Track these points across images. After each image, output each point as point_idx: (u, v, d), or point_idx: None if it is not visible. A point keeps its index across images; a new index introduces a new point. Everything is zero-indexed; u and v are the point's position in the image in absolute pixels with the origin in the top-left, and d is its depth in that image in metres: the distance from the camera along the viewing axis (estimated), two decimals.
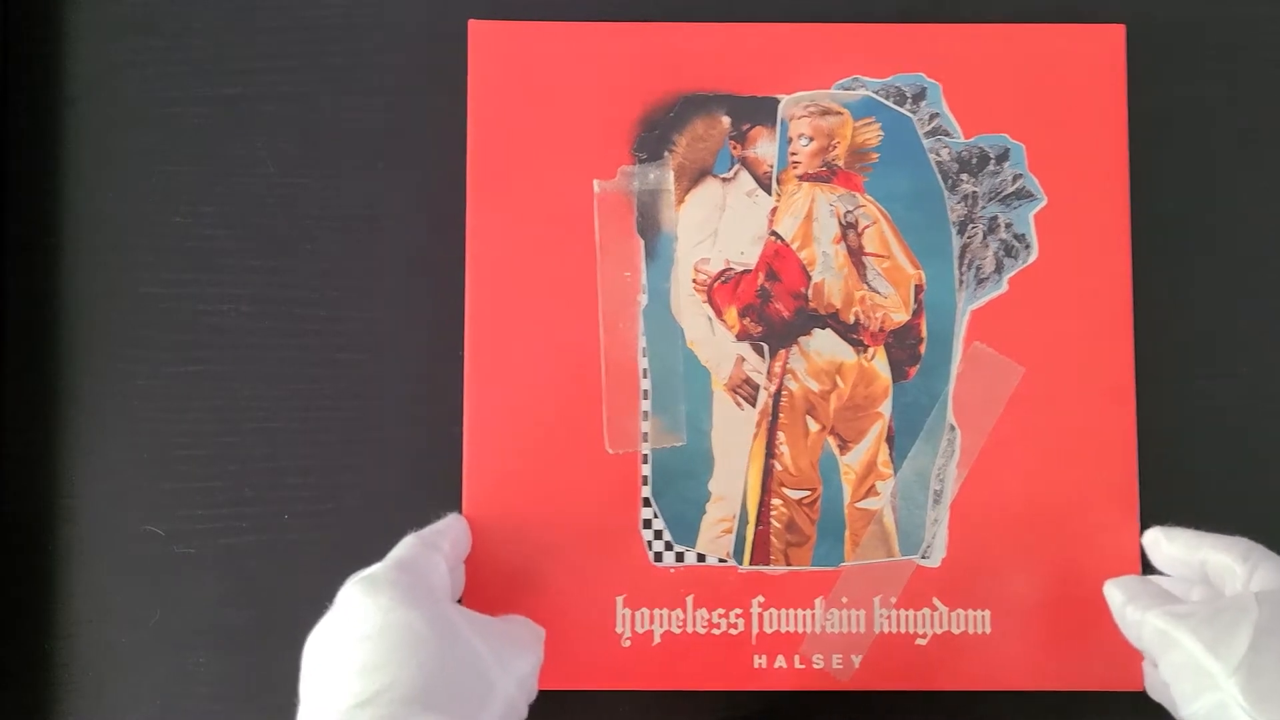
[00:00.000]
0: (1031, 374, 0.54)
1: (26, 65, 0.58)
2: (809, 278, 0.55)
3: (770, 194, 0.55)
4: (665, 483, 0.54)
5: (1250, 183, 0.57)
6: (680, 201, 0.55)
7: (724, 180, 0.55)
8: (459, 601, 0.52)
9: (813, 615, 0.54)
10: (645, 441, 0.54)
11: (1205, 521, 0.51)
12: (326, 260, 0.57)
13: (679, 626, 0.54)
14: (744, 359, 0.55)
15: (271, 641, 0.56)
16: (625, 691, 0.54)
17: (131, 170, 0.58)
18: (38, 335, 0.57)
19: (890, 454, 0.55)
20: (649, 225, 0.55)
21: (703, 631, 0.54)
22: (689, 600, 0.54)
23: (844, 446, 0.55)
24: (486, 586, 0.53)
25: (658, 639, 0.54)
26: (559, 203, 0.55)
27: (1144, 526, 0.53)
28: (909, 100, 0.55)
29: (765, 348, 0.55)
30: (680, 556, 0.54)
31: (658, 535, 0.54)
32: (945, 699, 0.54)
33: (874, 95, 0.56)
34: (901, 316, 0.55)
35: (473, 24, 0.56)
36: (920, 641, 0.54)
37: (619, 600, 0.54)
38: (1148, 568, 0.53)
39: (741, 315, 0.55)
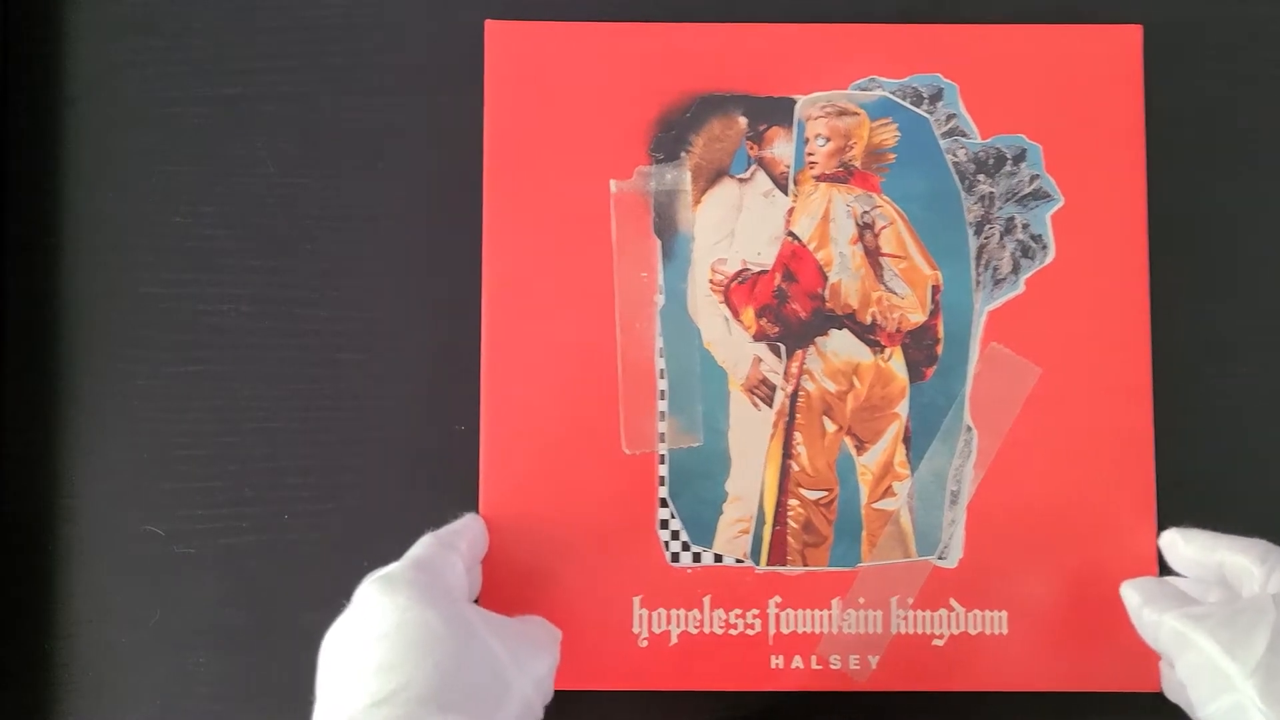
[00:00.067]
0: (1048, 375, 0.54)
1: (26, 65, 0.58)
2: (826, 278, 0.55)
3: (787, 194, 0.55)
4: (682, 483, 0.54)
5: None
6: (697, 202, 0.55)
7: (741, 181, 0.55)
8: (476, 601, 0.52)
9: (830, 616, 0.54)
10: (662, 442, 0.54)
11: (1222, 523, 0.51)
12: (326, 260, 0.57)
13: (696, 627, 0.54)
14: (761, 359, 0.55)
15: (271, 641, 0.56)
16: (642, 692, 0.54)
17: (131, 170, 0.58)
18: (38, 335, 0.57)
19: (907, 455, 0.54)
20: (666, 226, 0.55)
21: (720, 632, 0.54)
22: (706, 600, 0.54)
23: (861, 447, 0.55)
24: (503, 586, 0.53)
25: (674, 639, 0.54)
26: (575, 203, 0.55)
27: (1161, 528, 0.53)
28: (926, 101, 0.55)
29: (782, 348, 0.55)
30: (697, 557, 0.54)
31: (675, 535, 0.54)
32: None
33: (891, 96, 0.56)
34: (918, 317, 0.55)
35: (489, 24, 0.56)
36: (937, 642, 0.54)
37: (636, 600, 0.54)
38: (1165, 569, 0.53)
39: (758, 316, 0.55)
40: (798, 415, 0.55)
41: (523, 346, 0.54)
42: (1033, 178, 0.55)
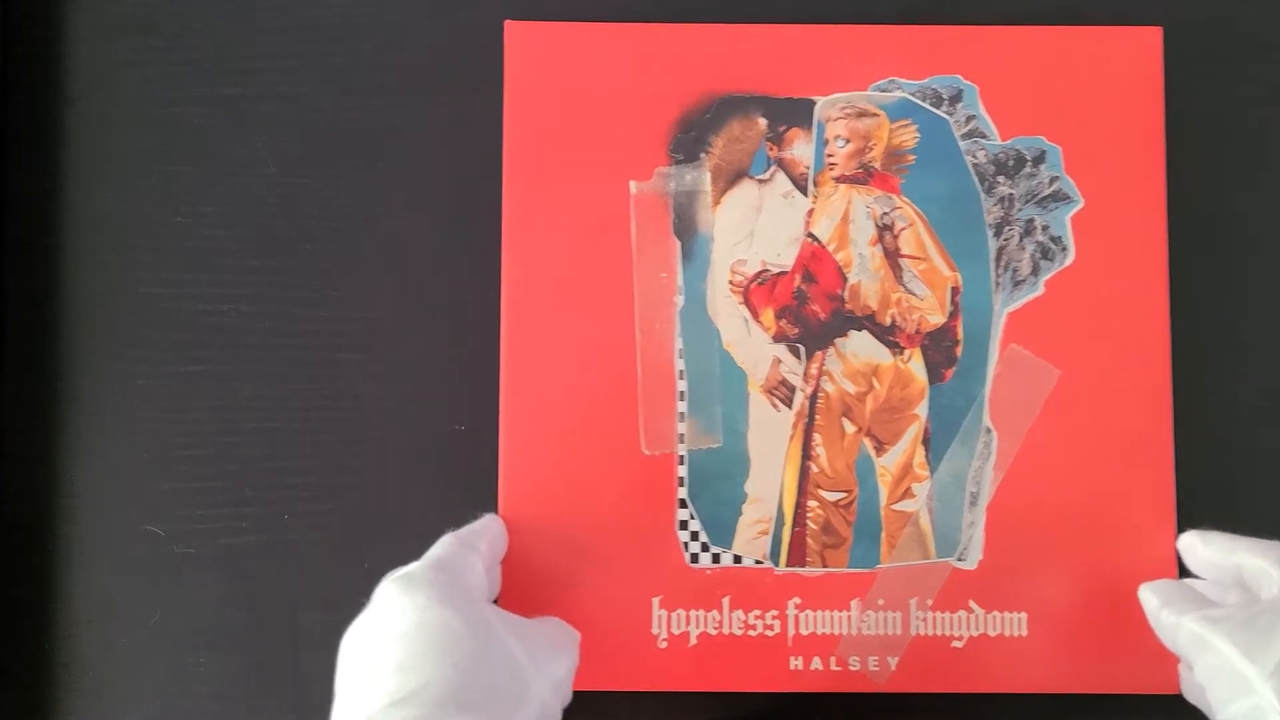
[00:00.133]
0: (1068, 376, 0.54)
1: (26, 65, 0.58)
2: (845, 279, 0.55)
3: (806, 195, 0.55)
4: (701, 484, 0.54)
5: None
6: (716, 203, 0.55)
7: (760, 182, 0.55)
8: (495, 602, 0.52)
9: (849, 617, 0.54)
10: (681, 443, 0.54)
11: (1241, 525, 0.51)
12: (326, 260, 0.57)
13: (715, 628, 0.54)
14: (780, 360, 0.55)
15: (271, 641, 0.56)
16: (661, 693, 0.54)
17: (131, 170, 0.58)
18: (38, 335, 0.57)
19: (926, 456, 0.54)
20: (685, 227, 0.55)
21: (739, 633, 0.54)
22: (725, 601, 0.54)
23: (880, 448, 0.55)
24: (522, 587, 0.53)
25: (694, 640, 0.54)
26: (595, 204, 0.55)
27: (1180, 530, 0.53)
28: (945, 102, 0.55)
29: (801, 349, 0.55)
30: (716, 558, 0.54)
31: (694, 536, 0.54)
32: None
33: (910, 97, 0.56)
34: (938, 319, 0.55)
35: (509, 25, 0.56)
36: (956, 644, 0.54)
37: (655, 601, 0.54)
38: (1184, 571, 0.53)
39: (778, 317, 0.55)
40: (817, 416, 0.55)
41: (542, 347, 0.54)
42: (1052, 179, 0.55)
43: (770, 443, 0.54)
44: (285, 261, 0.57)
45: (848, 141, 0.55)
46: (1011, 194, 0.55)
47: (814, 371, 0.55)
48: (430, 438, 0.56)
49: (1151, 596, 0.49)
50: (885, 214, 0.55)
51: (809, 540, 0.54)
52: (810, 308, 0.55)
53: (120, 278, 0.57)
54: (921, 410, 0.55)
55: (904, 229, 0.55)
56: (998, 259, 0.55)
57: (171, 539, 0.56)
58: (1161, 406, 0.54)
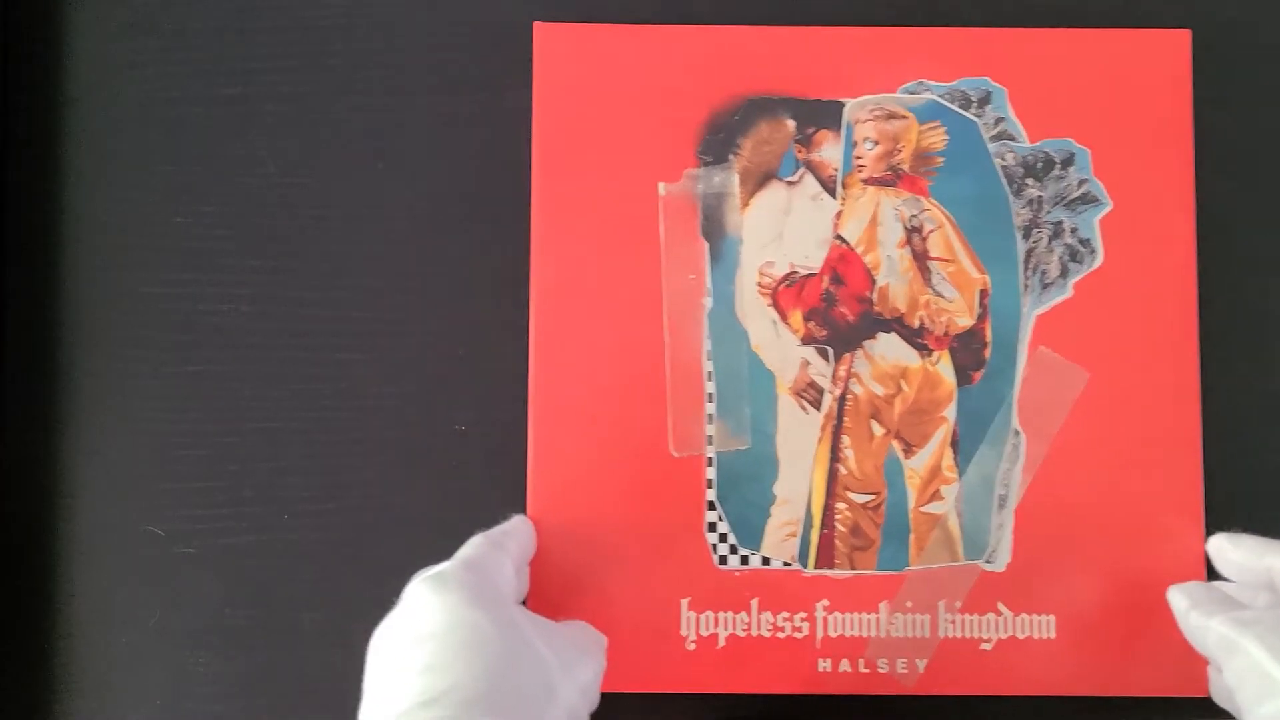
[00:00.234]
0: (1096, 379, 0.54)
1: (26, 65, 0.58)
2: (874, 282, 0.55)
3: (835, 198, 0.55)
4: (730, 486, 0.54)
5: None
6: (745, 205, 0.55)
7: (789, 184, 0.55)
8: (523, 603, 0.52)
9: (877, 619, 0.54)
10: (710, 445, 0.54)
11: (1271, 528, 0.51)
12: (327, 260, 0.57)
13: (743, 630, 0.54)
14: (809, 362, 0.55)
15: (271, 641, 0.56)
16: (689, 694, 0.54)
17: (131, 170, 0.58)
18: (38, 335, 0.57)
19: (955, 458, 0.54)
20: (714, 228, 0.55)
21: (767, 635, 0.54)
22: (754, 603, 0.54)
23: (909, 450, 0.55)
24: (550, 589, 0.54)
25: (722, 642, 0.54)
26: (624, 206, 0.55)
27: (1209, 532, 0.53)
28: (974, 104, 0.55)
29: (830, 351, 0.55)
30: (745, 560, 0.54)
31: (722, 538, 0.54)
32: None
33: (939, 99, 0.56)
34: (966, 321, 0.55)
35: (538, 26, 0.56)
36: (985, 646, 0.54)
37: (684, 603, 0.54)
38: (1212, 574, 0.53)
39: (806, 319, 0.55)
40: (845, 418, 0.55)
41: (570, 348, 0.54)
42: (1081, 182, 0.55)
43: (799, 445, 0.54)
44: (285, 261, 0.57)
45: (876, 143, 0.55)
46: (1040, 196, 0.55)
47: (842, 374, 0.55)
48: (431, 438, 0.56)
49: (1180, 598, 0.49)
50: (914, 216, 0.55)
51: (837, 542, 0.54)
52: (839, 310, 0.55)
53: (120, 278, 0.57)
54: (950, 413, 0.55)
55: (932, 231, 0.55)
56: (1026, 261, 0.55)
57: (171, 539, 0.56)
58: (1190, 409, 0.54)
